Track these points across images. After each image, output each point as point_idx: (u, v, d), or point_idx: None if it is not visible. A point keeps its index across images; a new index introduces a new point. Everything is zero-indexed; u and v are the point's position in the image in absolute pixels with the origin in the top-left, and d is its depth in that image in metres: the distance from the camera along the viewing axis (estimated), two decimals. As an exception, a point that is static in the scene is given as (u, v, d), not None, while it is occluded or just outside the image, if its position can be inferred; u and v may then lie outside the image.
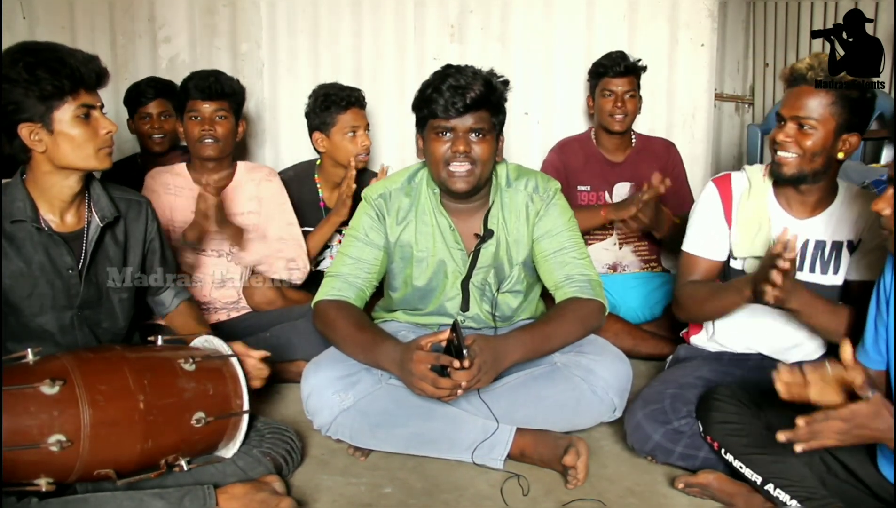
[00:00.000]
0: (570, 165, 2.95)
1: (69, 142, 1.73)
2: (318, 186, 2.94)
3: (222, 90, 2.54)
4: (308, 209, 2.89)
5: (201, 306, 2.58)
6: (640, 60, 2.90)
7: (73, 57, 1.72)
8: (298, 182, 2.92)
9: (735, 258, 2.04)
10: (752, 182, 2.02)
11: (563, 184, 2.91)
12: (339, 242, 2.89)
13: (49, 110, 1.70)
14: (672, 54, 3.31)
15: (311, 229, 2.84)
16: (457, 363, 1.74)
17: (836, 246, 1.96)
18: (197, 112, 2.52)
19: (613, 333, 2.53)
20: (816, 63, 1.85)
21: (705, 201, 2.07)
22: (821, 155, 1.85)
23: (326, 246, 2.87)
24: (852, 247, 1.95)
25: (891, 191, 1.45)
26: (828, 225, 1.96)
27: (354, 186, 2.73)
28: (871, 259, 1.91)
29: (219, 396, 1.68)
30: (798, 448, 1.44)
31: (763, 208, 1.99)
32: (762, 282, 1.72)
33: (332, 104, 2.80)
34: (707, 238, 2.05)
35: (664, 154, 3.01)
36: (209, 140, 2.52)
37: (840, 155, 1.87)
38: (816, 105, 1.83)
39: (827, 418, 1.40)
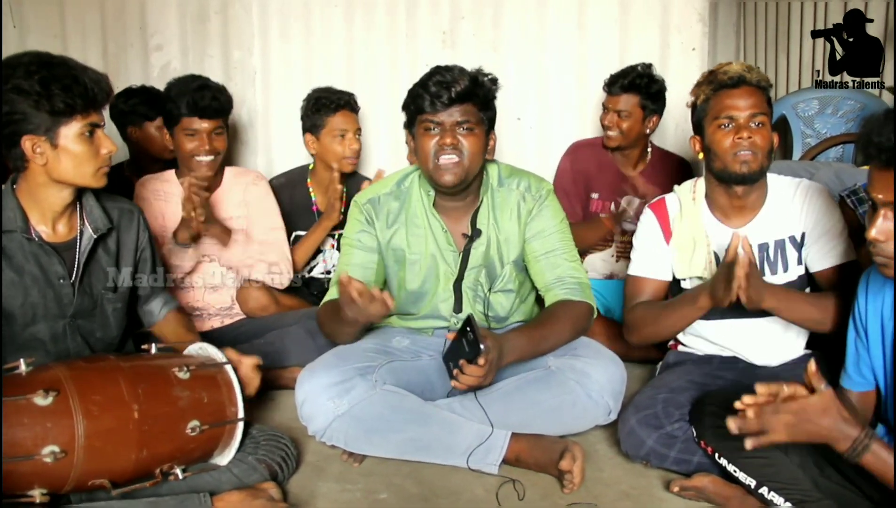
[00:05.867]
0: (583, 171, 2.95)
1: (71, 159, 1.73)
2: (311, 190, 2.95)
3: (220, 108, 2.52)
4: (301, 214, 2.89)
5: (194, 312, 2.58)
6: (644, 79, 2.79)
7: (86, 75, 1.72)
8: (291, 187, 2.93)
9: (684, 279, 2.06)
10: (683, 203, 2.04)
11: (580, 192, 2.91)
12: (332, 246, 2.90)
13: (56, 126, 1.69)
14: (663, 59, 3.31)
15: (304, 233, 2.84)
16: (481, 361, 1.76)
17: (780, 244, 1.98)
18: (193, 130, 2.49)
19: (608, 336, 2.54)
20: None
21: (644, 226, 2.10)
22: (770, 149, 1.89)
23: (319, 251, 2.88)
24: (795, 241, 1.97)
25: (888, 215, 1.37)
26: (766, 225, 1.98)
27: (341, 187, 2.73)
28: (824, 245, 1.93)
29: (213, 404, 1.68)
30: (748, 443, 1.43)
31: (697, 225, 2.01)
32: (724, 288, 1.74)
33: (323, 106, 2.83)
34: (650, 259, 2.07)
35: (677, 173, 2.89)
36: (207, 157, 2.51)
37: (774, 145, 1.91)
38: (759, 104, 1.86)
39: (777, 411, 1.40)
